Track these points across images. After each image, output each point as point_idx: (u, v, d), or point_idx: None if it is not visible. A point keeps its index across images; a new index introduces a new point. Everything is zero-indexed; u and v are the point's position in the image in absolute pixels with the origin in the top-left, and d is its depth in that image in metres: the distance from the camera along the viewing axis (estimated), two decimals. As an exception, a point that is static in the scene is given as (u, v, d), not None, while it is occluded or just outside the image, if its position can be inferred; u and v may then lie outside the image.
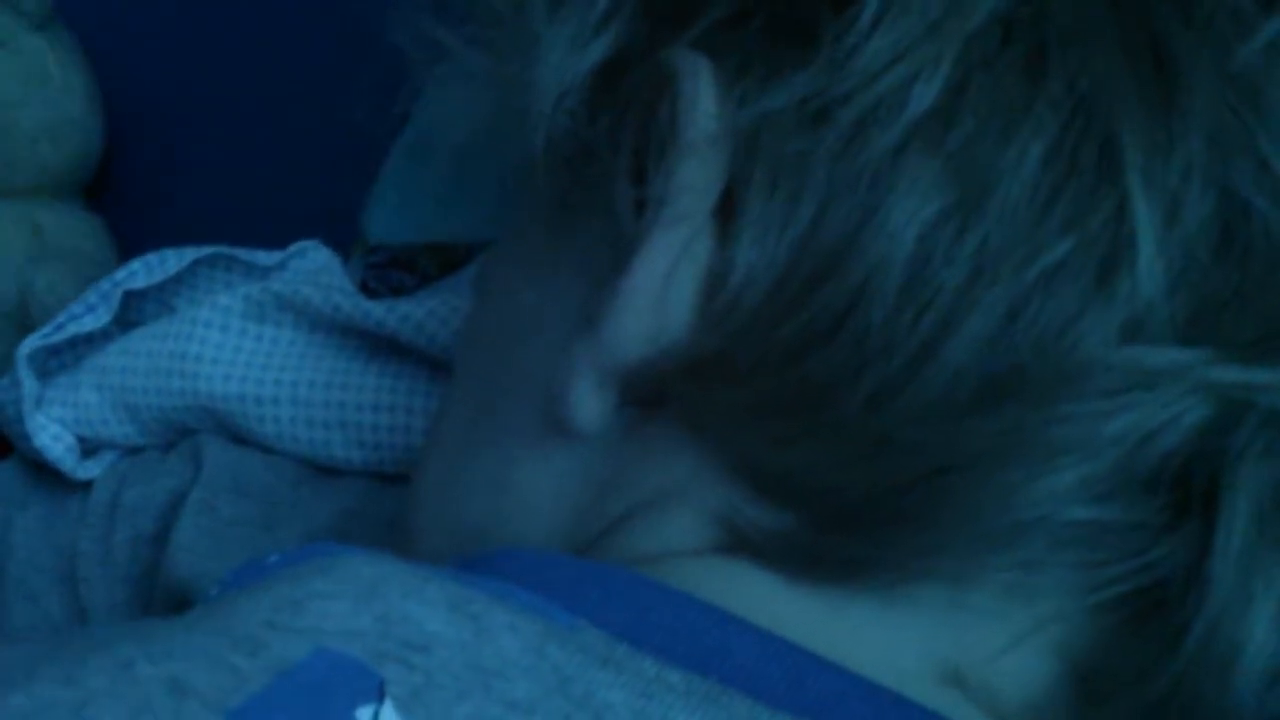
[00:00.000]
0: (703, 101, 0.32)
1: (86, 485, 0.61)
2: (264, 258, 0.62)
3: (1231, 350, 0.29)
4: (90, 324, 0.60)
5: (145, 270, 0.61)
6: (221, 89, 0.76)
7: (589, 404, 0.34)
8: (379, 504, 0.57)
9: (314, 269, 0.62)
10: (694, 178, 0.32)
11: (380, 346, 0.58)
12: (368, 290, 0.67)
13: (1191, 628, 0.29)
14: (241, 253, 0.62)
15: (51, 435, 0.60)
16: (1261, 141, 0.30)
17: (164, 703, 0.25)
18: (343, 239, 0.66)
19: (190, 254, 0.61)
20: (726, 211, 0.32)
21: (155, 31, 0.78)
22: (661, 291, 0.32)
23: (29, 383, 0.59)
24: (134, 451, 0.62)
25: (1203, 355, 0.29)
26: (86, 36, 0.74)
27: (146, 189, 0.77)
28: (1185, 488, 0.30)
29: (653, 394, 0.34)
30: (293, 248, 0.63)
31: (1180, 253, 0.30)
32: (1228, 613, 0.29)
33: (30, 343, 0.59)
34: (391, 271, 0.67)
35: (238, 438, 0.59)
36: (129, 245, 0.72)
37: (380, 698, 0.26)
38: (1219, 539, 0.29)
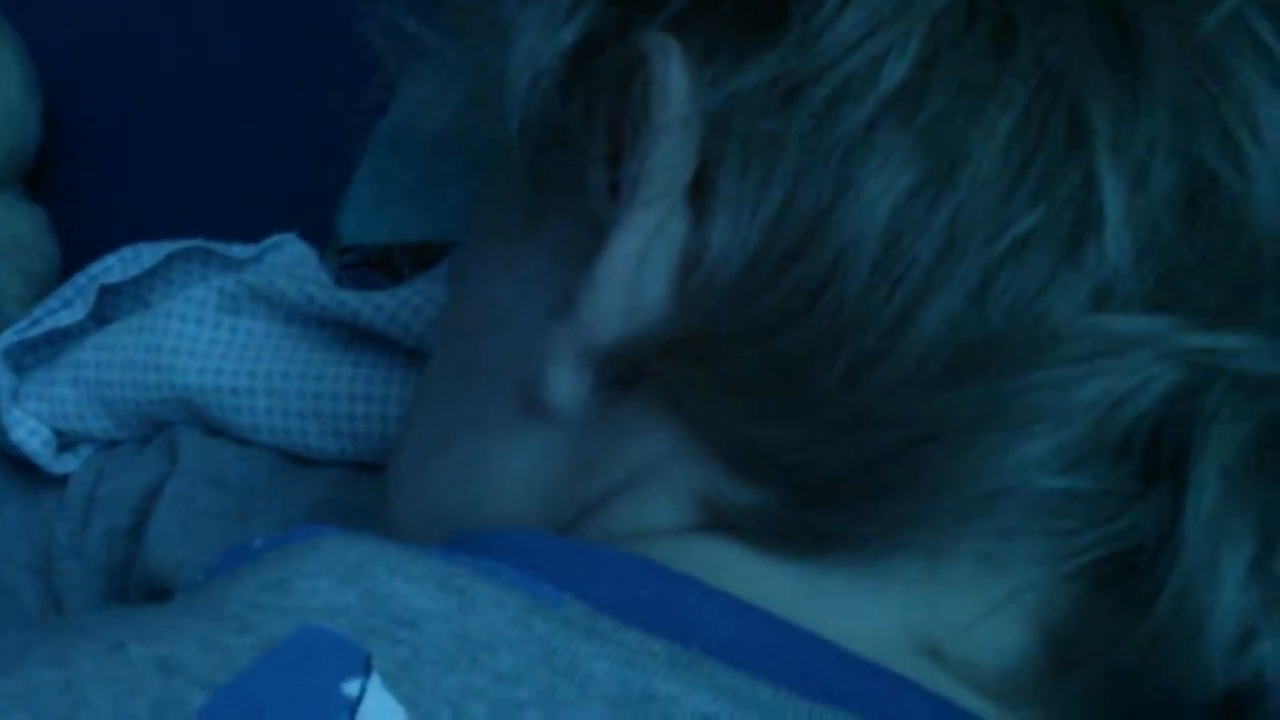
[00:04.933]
0: (674, 83, 0.32)
1: (63, 479, 0.61)
2: (240, 251, 0.62)
3: (1198, 316, 0.30)
4: (66, 319, 0.60)
5: (120, 264, 0.60)
6: (169, 76, 0.75)
7: (566, 384, 0.34)
8: (355, 494, 0.57)
9: (290, 262, 0.62)
10: (667, 158, 0.32)
11: (355, 337, 0.58)
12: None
13: (1162, 592, 0.30)
14: (217, 246, 0.62)
15: (28, 429, 0.60)
16: (1225, 111, 0.30)
17: (153, 681, 0.25)
18: (283, 223, 0.65)
19: (165, 248, 0.61)
20: (700, 191, 0.32)
21: (101, 13, 0.76)
22: (637, 271, 0.33)
23: (5, 377, 0.59)
24: (111, 445, 0.62)
25: (1170, 322, 0.30)
26: (26, 21, 0.72)
27: (90, 178, 0.75)
28: (1156, 454, 0.30)
29: (628, 374, 0.34)
30: (269, 241, 0.62)
31: (1147, 221, 0.30)
32: (1197, 576, 0.30)
33: (6, 338, 0.59)
34: (365, 271, 0.67)
35: (213, 430, 0.59)
36: (73, 235, 0.71)
37: (366, 672, 0.26)
38: (1189, 502, 0.30)
